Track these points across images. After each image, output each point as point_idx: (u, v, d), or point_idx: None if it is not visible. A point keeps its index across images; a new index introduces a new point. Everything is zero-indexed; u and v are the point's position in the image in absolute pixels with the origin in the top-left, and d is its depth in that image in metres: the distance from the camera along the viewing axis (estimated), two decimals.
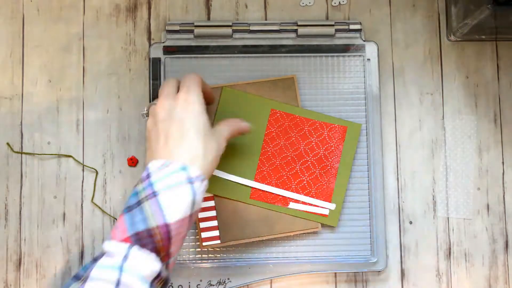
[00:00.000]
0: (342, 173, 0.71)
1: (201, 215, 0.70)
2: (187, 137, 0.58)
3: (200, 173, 0.57)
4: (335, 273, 0.72)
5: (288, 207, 0.70)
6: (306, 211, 0.70)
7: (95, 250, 0.71)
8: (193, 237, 0.71)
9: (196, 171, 0.57)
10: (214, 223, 0.70)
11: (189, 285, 0.70)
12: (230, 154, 0.70)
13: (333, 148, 0.71)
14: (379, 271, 0.72)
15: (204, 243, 0.70)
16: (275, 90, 0.72)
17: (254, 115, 0.71)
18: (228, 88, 0.71)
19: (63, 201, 0.72)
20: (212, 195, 0.70)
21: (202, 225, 0.70)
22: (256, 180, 0.70)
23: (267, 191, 0.70)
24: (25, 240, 0.71)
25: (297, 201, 0.71)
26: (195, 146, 0.58)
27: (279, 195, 0.70)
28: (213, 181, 0.70)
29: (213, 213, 0.70)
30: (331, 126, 0.72)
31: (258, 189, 0.70)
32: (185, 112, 0.59)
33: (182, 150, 0.58)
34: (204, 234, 0.70)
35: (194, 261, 0.71)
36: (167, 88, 0.62)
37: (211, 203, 0.70)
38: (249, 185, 0.70)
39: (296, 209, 0.70)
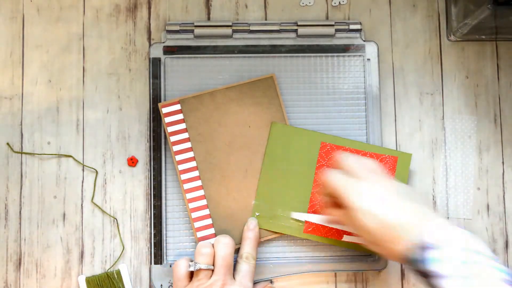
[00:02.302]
0: None
1: (195, 214, 0.70)
2: None
3: None
4: (335, 273, 0.72)
5: (343, 239, 0.70)
6: (359, 243, 0.69)
7: (95, 250, 0.71)
8: (192, 236, 0.71)
9: None
10: (209, 221, 0.70)
11: None
12: (283, 190, 0.70)
13: None
14: (379, 271, 0.72)
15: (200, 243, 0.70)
16: (255, 90, 0.72)
17: (304, 149, 0.71)
18: (277, 123, 0.70)
19: (63, 201, 0.72)
20: (205, 202, 0.70)
21: (197, 224, 0.70)
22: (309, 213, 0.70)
23: (320, 224, 0.70)
24: (25, 240, 0.71)
25: (350, 233, 0.70)
26: None
27: (332, 228, 0.70)
28: (266, 217, 0.70)
29: (206, 211, 0.70)
30: (381, 156, 0.71)
31: (311, 222, 0.70)
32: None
33: None
34: (199, 234, 0.70)
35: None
36: (223, 269, 0.65)
37: (205, 203, 0.70)
38: (303, 219, 0.70)
39: (350, 242, 0.70)
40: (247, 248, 0.68)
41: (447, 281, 0.51)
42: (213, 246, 0.67)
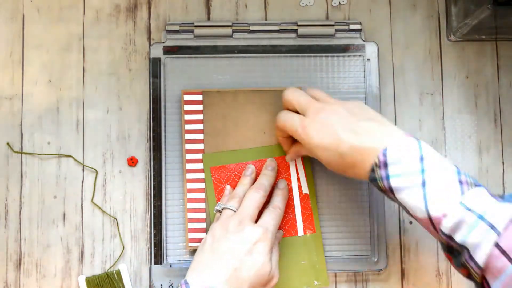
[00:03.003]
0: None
1: (191, 216, 0.70)
2: (221, 271, 0.59)
3: None
4: (335, 273, 0.72)
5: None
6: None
7: (95, 250, 0.71)
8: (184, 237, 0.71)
9: None
10: (203, 224, 0.70)
11: None
12: None
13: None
14: (379, 271, 0.72)
15: (190, 244, 0.70)
16: (279, 99, 0.71)
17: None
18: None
19: (63, 201, 0.72)
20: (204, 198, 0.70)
21: (190, 226, 0.70)
22: None
23: None
24: (25, 240, 0.71)
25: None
26: (223, 283, 0.59)
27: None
28: None
29: (202, 214, 0.70)
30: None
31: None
32: (264, 244, 0.62)
33: (212, 277, 0.59)
34: (191, 235, 0.70)
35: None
36: (249, 203, 0.64)
37: (202, 205, 0.70)
38: None
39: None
40: (261, 179, 0.68)
41: (407, 192, 0.56)
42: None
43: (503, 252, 0.50)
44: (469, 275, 0.54)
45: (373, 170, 0.58)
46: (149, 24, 0.75)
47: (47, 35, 0.74)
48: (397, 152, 0.57)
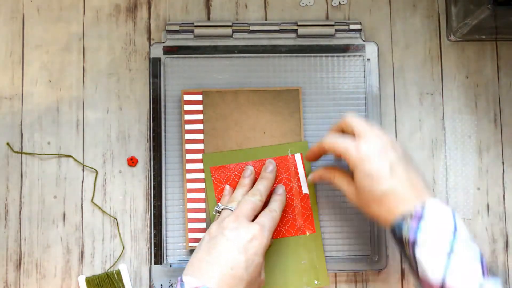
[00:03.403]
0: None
1: (191, 216, 0.70)
2: (216, 270, 0.59)
3: None
4: (335, 273, 0.72)
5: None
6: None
7: (95, 250, 0.71)
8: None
9: None
10: (203, 224, 0.70)
11: None
12: None
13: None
14: (379, 271, 0.72)
15: (190, 244, 0.70)
16: (279, 99, 0.72)
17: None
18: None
19: (63, 201, 0.72)
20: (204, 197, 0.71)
21: (190, 226, 0.70)
22: None
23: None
24: (25, 240, 0.71)
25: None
26: (219, 282, 0.58)
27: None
28: None
29: (202, 214, 0.70)
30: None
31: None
32: (257, 242, 0.61)
33: (207, 276, 0.58)
34: (191, 235, 0.70)
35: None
36: (246, 205, 0.64)
37: (202, 205, 0.70)
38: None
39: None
40: (258, 185, 0.67)
41: (431, 253, 0.55)
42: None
43: None
44: None
45: (403, 218, 0.56)
46: (149, 24, 0.75)
47: (47, 35, 0.74)
48: (435, 212, 0.56)
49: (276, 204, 0.67)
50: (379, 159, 0.59)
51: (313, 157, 0.68)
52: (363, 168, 0.59)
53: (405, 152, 0.62)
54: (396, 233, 0.57)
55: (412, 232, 0.56)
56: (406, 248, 0.57)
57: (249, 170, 0.69)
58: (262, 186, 0.67)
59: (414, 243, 0.55)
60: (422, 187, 0.59)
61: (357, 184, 0.60)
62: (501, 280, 0.55)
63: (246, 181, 0.68)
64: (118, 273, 0.70)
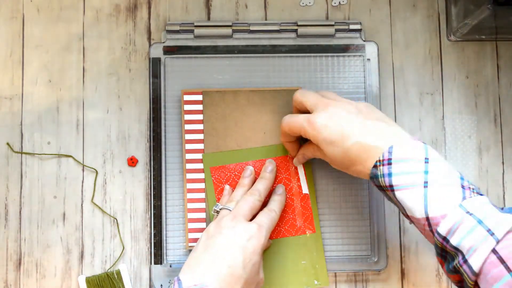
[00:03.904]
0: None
1: (191, 216, 0.70)
2: (214, 268, 0.59)
3: None
4: (335, 273, 0.72)
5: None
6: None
7: (95, 250, 0.71)
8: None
9: None
10: (203, 225, 0.70)
11: None
12: None
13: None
14: (379, 271, 0.72)
15: (190, 244, 0.70)
16: (279, 99, 0.72)
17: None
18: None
19: (63, 201, 0.72)
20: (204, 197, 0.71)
21: (191, 226, 0.70)
22: None
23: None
24: (25, 240, 0.71)
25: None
26: (217, 280, 0.58)
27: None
28: None
29: (202, 214, 0.70)
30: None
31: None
32: (254, 240, 0.61)
33: (205, 274, 0.58)
34: (191, 235, 0.70)
35: None
36: (244, 205, 0.64)
37: (202, 205, 0.70)
38: None
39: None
40: (257, 185, 0.67)
41: (408, 191, 0.55)
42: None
43: (501, 259, 0.50)
44: (459, 282, 0.54)
45: (375, 167, 0.58)
46: (149, 24, 0.75)
47: (47, 35, 0.74)
48: (403, 151, 0.57)
49: (275, 204, 0.67)
50: (332, 124, 0.61)
51: (291, 148, 0.70)
52: (322, 139, 0.61)
53: (365, 104, 0.63)
54: (375, 182, 0.58)
55: (386, 178, 0.56)
56: (388, 193, 0.57)
57: (249, 170, 0.69)
58: (262, 186, 0.67)
59: (391, 188, 0.56)
60: (387, 132, 0.59)
61: (326, 154, 0.62)
62: (487, 197, 0.55)
63: (245, 181, 0.68)
64: (118, 273, 0.70)
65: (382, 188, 0.58)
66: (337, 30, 0.74)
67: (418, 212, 0.55)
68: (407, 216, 0.58)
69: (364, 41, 0.74)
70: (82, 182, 0.72)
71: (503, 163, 0.75)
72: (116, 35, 0.74)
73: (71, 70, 0.73)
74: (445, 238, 0.53)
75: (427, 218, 0.54)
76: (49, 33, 0.74)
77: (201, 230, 0.70)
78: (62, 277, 0.71)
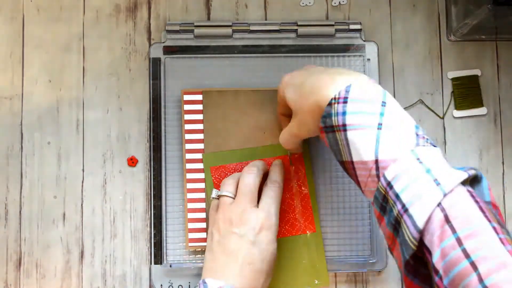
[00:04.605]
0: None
1: (191, 216, 0.70)
2: (235, 268, 0.59)
3: None
4: (335, 273, 0.72)
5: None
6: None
7: (95, 250, 0.71)
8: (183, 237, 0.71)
9: None
10: (203, 224, 0.70)
11: (189, 285, 0.70)
12: None
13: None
14: (379, 271, 0.72)
15: (190, 244, 0.70)
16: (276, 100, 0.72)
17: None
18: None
19: (63, 201, 0.72)
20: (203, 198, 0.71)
21: (191, 226, 0.70)
22: None
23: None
24: (25, 240, 0.71)
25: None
26: (240, 279, 0.59)
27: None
28: None
29: (202, 214, 0.70)
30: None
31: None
32: (249, 247, 0.61)
33: (228, 275, 0.59)
34: (191, 235, 0.70)
35: (194, 261, 0.71)
36: (245, 194, 0.63)
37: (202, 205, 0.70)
38: None
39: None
40: (273, 174, 0.67)
41: (360, 132, 0.52)
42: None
43: (446, 218, 0.46)
44: (393, 243, 0.51)
45: (330, 105, 0.54)
46: (149, 24, 0.75)
47: (47, 35, 0.74)
48: (360, 92, 0.54)
49: (276, 174, 0.66)
50: (298, 77, 0.61)
51: (283, 121, 0.68)
52: (288, 90, 0.61)
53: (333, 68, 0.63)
54: (327, 123, 0.55)
55: (340, 117, 0.53)
56: (338, 134, 0.54)
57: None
58: (258, 163, 0.67)
59: (344, 127, 0.53)
60: (349, 73, 0.58)
61: (287, 98, 0.62)
62: (440, 150, 0.52)
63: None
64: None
65: (331, 129, 0.55)
66: (337, 30, 0.74)
67: (368, 154, 0.51)
68: (343, 163, 0.55)
69: (364, 41, 0.74)
70: (82, 182, 0.72)
71: (503, 163, 0.75)
72: (116, 35, 0.74)
73: (71, 70, 0.73)
74: (389, 184, 0.50)
75: (376, 161, 0.51)
76: (49, 33, 0.74)
77: (201, 230, 0.70)
78: (62, 277, 0.71)
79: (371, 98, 0.54)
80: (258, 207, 0.63)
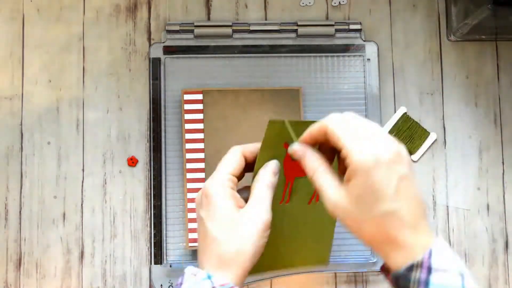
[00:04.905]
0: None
1: (191, 216, 0.70)
2: (210, 239, 0.51)
3: (227, 282, 0.49)
4: (335, 273, 0.72)
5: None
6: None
7: (95, 250, 0.71)
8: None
9: (222, 279, 0.49)
10: None
11: None
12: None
13: None
14: (379, 271, 0.72)
15: (190, 244, 0.70)
16: (279, 99, 0.72)
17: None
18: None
19: (63, 201, 0.72)
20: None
21: (191, 226, 0.70)
22: None
23: None
24: (25, 240, 0.71)
25: None
26: (220, 250, 0.50)
27: None
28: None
29: None
30: None
31: None
32: (203, 209, 0.51)
33: (207, 255, 0.51)
34: (191, 235, 0.70)
35: (194, 261, 0.71)
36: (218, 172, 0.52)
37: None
38: None
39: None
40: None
41: None
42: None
43: None
44: None
45: (410, 268, 0.48)
46: (149, 24, 0.75)
47: (47, 35, 0.74)
48: (442, 260, 0.49)
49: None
50: (387, 171, 0.48)
51: (310, 140, 0.52)
52: (365, 177, 0.48)
53: (411, 162, 0.53)
54: (400, 284, 0.50)
55: (422, 286, 0.48)
56: None
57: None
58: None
59: None
60: (424, 211, 0.50)
61: (351, 194, 0.48)
62: None
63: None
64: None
65: (404, 286, 0.49)
66: (337, 30, 0.74)
67: None
68: None
69: (364, 41, 0.74)
70: (82, 182, 0.72)
71: (503, 163, 0.75)
72: (116, 35, 0.74)
73: (71, 70, 0.73)
74: None
75: None
76: (49, 33, 0.74)
77: None
78: (62, 277, 0.71)
79: (451, 268, 0.50)
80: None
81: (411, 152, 0.71)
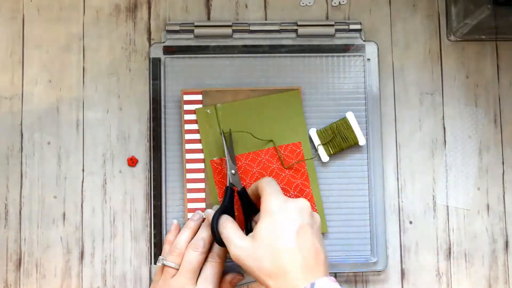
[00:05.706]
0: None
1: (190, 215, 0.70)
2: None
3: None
4: (335, 273, 0.72)
5: None
6: None
7: (95, 250, 0.71)
8: None
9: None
10: None
11: None
12: None
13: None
14: (379, 271, 0.72)
15: None
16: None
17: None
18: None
19: (63, 201, 0.72)
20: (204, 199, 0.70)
21: None
22: None
23: None
24: (25, 240, 0.71)
25: None
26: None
27: None
28: None
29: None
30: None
31: None
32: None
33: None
34: None
35: None
36: (186, 274, 0.63)
37: (203, 205, 0.70)
38: None
39: None
40: (201, 233, 0.65)
41: None
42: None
43: None
44: None
45: None
46: (149, 24, 0.75)
47: (47, 35, 0.74)
48: None
49: (217, 248, 0.65)
50: (291, 216, 0.59)
51: (251, 194, 0.67)
52: (272, 218, 0.59)
53: (317, 219, 0.62)
54: None
55: None
56: None
57: (198, 215, 0.68)
58: (206, 234, 0.65)
59: None
60: (322, 261, 0.57)
61: (256, 235, 0.59)
62: None
63: (191, 224, 0.67)
64: (346, 121, 0.71)
65: None
66: (337, 30, 0.74)
67: None
68: None
69: (364, 41, 0.74)
70: (82, 182, 0.72)
71: (503, 163, 0.75)
72: (116, 35, 0.74)
73: (71, 70, 0.73)
74: None
75: None
76: (49, 33, 0.74)
77: None
78: (62, 277, 0.71)
79: None
80: (196, 284, 0.63)
81: (333, 150, 0.71)
